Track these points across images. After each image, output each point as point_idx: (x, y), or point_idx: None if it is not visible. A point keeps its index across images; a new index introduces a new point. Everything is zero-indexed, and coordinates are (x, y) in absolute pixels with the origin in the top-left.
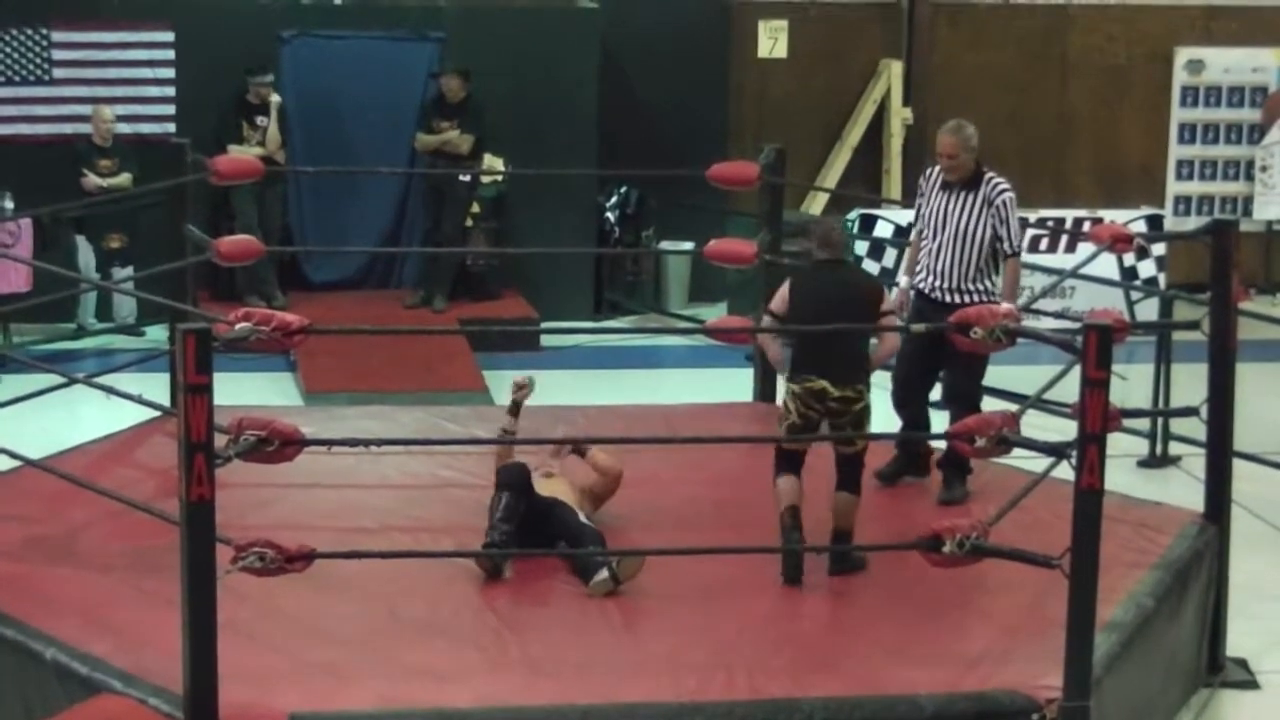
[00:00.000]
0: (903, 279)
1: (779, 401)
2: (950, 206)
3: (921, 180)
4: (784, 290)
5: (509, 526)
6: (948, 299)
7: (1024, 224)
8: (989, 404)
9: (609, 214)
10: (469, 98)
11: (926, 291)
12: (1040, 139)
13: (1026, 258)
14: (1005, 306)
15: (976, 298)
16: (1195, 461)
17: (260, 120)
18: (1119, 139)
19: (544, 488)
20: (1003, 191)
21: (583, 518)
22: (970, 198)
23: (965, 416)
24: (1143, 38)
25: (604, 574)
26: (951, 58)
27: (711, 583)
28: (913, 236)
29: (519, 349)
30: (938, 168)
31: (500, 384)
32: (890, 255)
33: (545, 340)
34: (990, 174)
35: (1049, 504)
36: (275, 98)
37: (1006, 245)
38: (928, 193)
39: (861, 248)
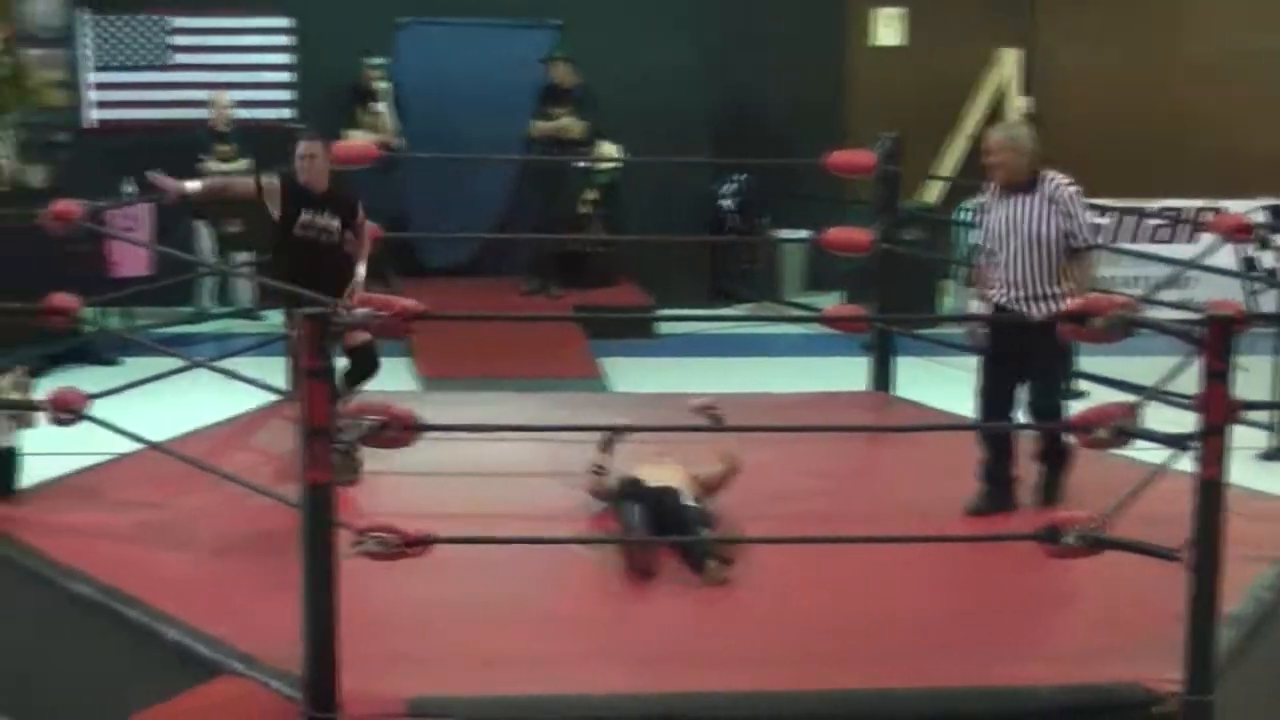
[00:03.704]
0: (975, 303)
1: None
2: (1015, 213)
3: (983, 194)
4: None
5: (644, 529)
6: (1030, 308)
7: (1138, 216)
8: (1107, 395)
9: (724, 201)
10: (582, 84)
11: (1005, 304)
12: (1160, 128)
13: (1148, 248)
14: (1122, 297)
15: (1057, 303)
16: None
17: (375, 106)
18: (1240, 128)
19: (654, 475)
20: (1064, 186)
21: (687, 499)
22: (1032, 200)
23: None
24: (1264, 24)
25: (712, 561)
26: (1070, 46)
27: (825, 572)
28: (981, 256)
29: (633, 336)
30: None
31: (615, 371)
32: None
33: (661, 328)
34: (1049, 173)
35: (1166, 497)
36: (383, 84)
37: (1078, 240)
38: (991, 205)
39: (977, 236)
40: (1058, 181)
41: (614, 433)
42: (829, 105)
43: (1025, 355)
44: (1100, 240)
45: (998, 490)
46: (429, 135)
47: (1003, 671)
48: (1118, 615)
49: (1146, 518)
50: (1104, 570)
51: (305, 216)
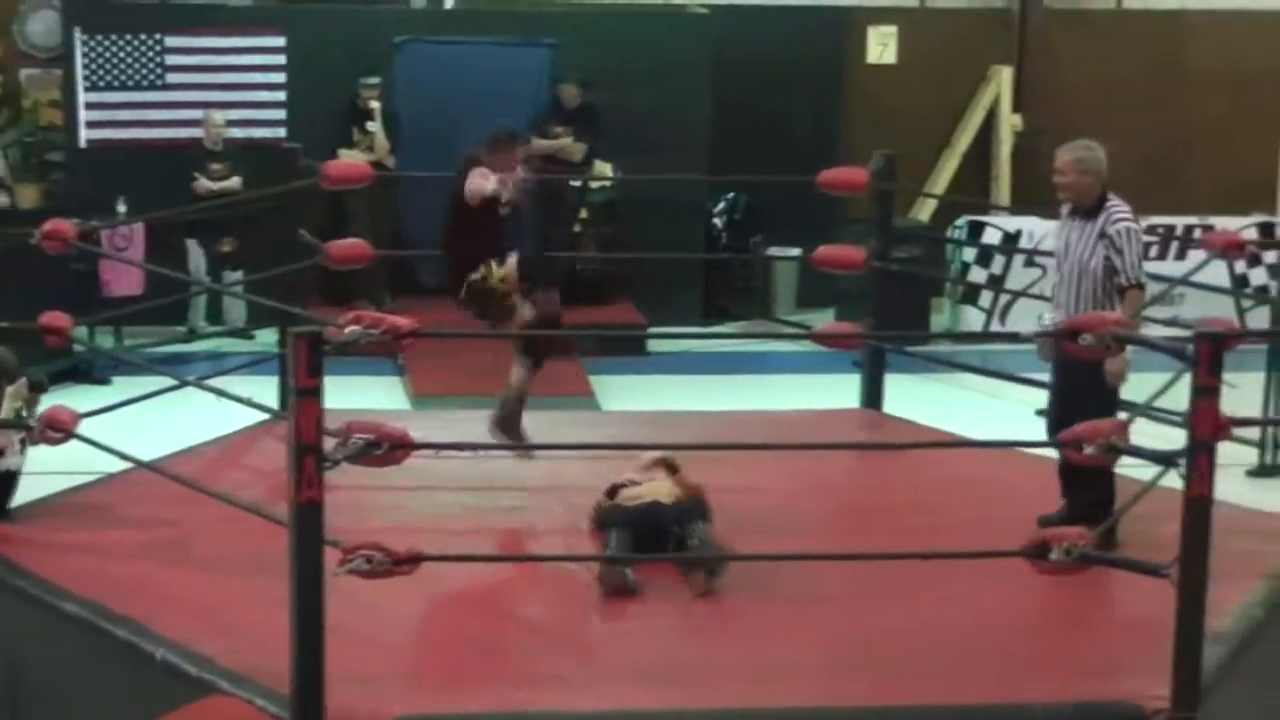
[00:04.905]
0: (1047, 314)
1: None
2: (1072, 236)
3: (1063, 212)
4: None
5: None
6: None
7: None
8: None
9: (717, 220)
10: (586, 105)
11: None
12: (1154, 146)
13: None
14: (1114, 314)
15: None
16: None
17: (370, 126)
18: (1233, 146)
19: (633, 495)
20: (1119, 220)
21: (670, 506)
22: (1089, 227)
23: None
24: (1258, 43)
25: (699, 574)
26: (1063, 64)
27: (821, 589)
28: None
29: (626, 354)
30: None
31: (607, 390)
32: (998, 262)
33: (653, 346)
34: (1113, 203)
35: (1158, 513)
36: (375, 103)
37: (1122, 277)
38: (1061, 224)
39: (970, 254)
40: (1114, 214)
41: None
42: (827, 123)
43: (1064, 381)
44: (1145, 281)
45: (1067, 508)
46: (427, 154)
47: (994, 689)
48: (1113, 632)
49: (1137, 534)
50: (1106, 584)
51: None
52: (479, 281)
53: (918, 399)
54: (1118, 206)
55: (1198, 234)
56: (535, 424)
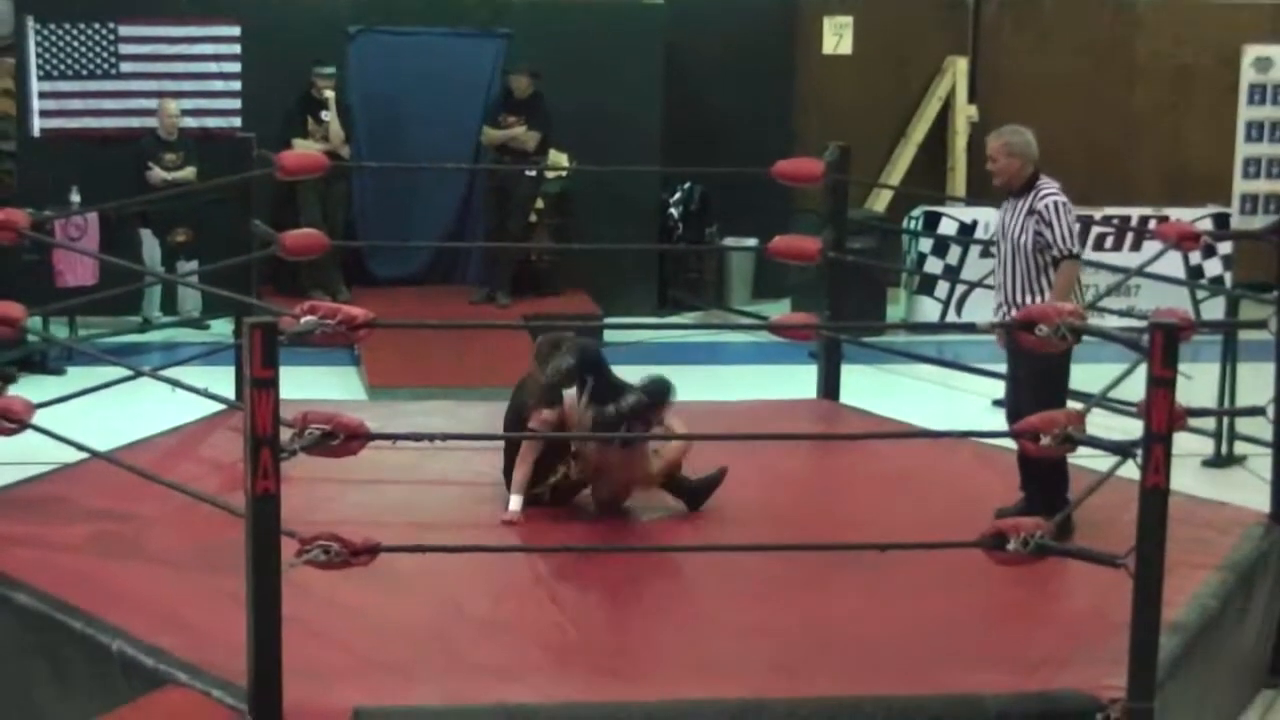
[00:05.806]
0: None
1: None
2: (1007, 219)
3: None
4: None
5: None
6: (1007, 317)
7: (1084, 224)
8: None
9: (673, 210)
10: (537, 95)
11: (995, 309)
12: (1107, 137)
13: (1093, 256)
14: (1069, 305)
15: None
16: (1261, 461)
17: (324, 115)
18: (1186, 137)
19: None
20: (1047, 196)
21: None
22: (1021, 207)
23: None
24: (1210, 35)
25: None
26: (1017, 55)
27: (776, 581)
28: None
29: None
30: None
31: None
32: (954, 253)
33: (608, 336)
34: (1043, 181)
35: (1113, 503)
36: (330, 93)
37: (1055, 250)
38: (1001, 208)
39: (926, 245)
40: (1043, 190)
41: None
42: (781, 114)
43: (1019, 371)
44: (1079, 251)
45: (1025, 500)
46: (381, 144)
47: (950, 680)
48: (1069, 622)
49: (1093, 524)
50: (1060, 575)
51: None
52: (561, 482)
53: (874, 390)
54: (1047, 184)
55: (1152, 225)
56: (491, 415)
